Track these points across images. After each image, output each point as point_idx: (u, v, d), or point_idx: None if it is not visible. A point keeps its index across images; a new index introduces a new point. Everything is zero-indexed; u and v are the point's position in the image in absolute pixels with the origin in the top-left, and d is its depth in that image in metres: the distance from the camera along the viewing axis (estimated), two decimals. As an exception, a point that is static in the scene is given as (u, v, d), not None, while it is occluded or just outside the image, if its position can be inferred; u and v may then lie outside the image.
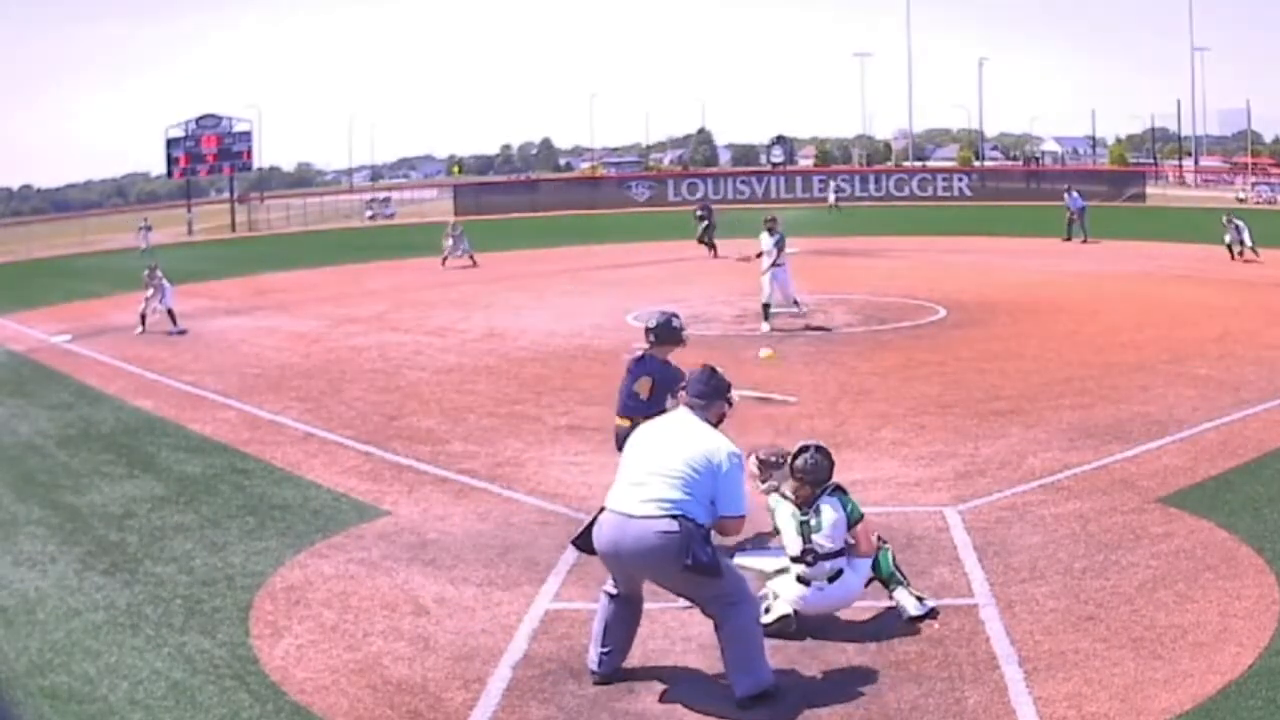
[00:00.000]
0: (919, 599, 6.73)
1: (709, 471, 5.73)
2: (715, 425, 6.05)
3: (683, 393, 6.17)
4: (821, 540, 6.57)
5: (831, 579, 6.59)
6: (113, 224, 61.80)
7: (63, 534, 8.98)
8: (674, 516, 5.64)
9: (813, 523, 6.61)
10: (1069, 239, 34.01)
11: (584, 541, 6.05)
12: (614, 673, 6.06)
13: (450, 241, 32.77)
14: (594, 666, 6.07)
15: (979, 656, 6.19)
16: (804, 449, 6.74)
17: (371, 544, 8.43)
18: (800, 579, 6.61)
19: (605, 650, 6.06)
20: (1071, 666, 6.02)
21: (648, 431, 6.05)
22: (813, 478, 6.67)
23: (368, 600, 7.34)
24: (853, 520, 6.64)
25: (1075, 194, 35.64)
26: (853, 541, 6.65)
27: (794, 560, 6.64)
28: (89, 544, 8.71)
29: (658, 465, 5.76)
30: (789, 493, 6.73)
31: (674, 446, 5.81)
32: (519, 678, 6.14)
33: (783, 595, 6.64)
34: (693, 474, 5.71)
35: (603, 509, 5.94)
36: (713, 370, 6.20)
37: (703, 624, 6.72)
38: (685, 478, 5.70)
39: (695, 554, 5.60)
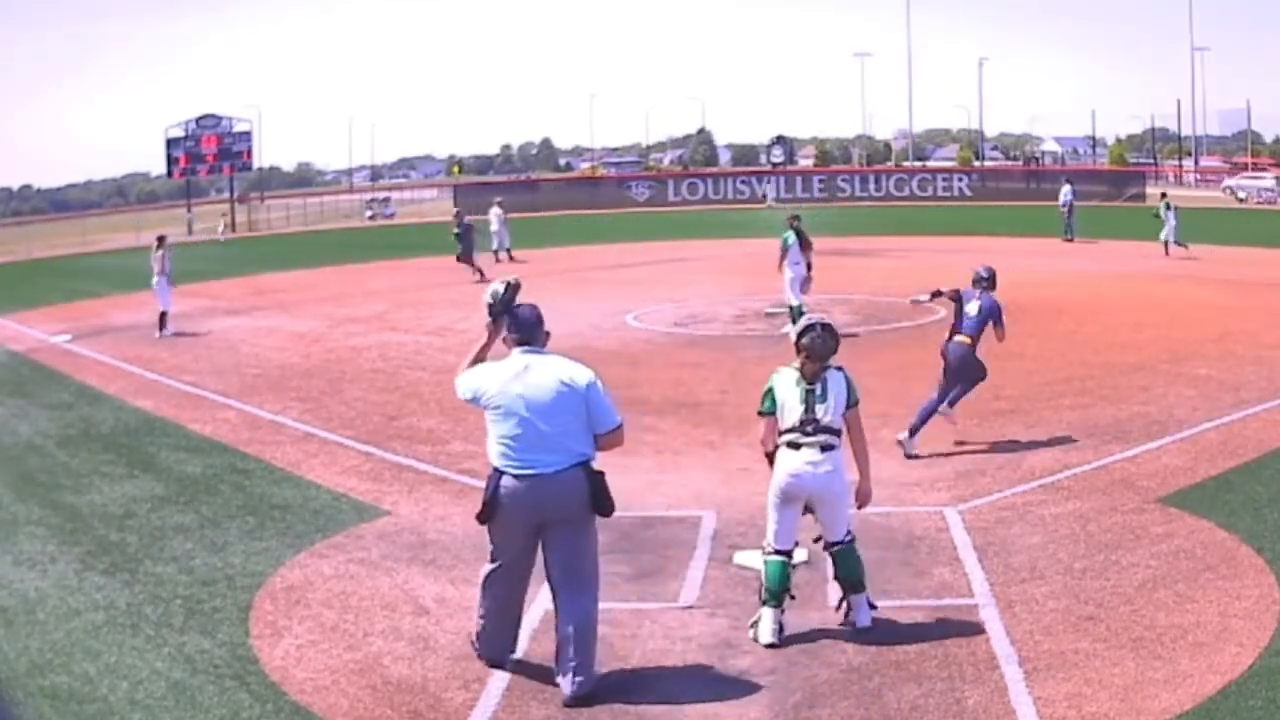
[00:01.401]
0: (872, 606, 6.69)
1: (580, 402, 5.98)
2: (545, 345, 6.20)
3: (511, 336, 6.24)
4: (823, 411, 6.62)
5: (824, 449, 6.59)
6: (113, 224, 61.84)
7: (63, 534, 8.98)
8: (579, 465, 5.97)
9: (818, 392, 6.67)
10: (1070, 239, 33.93)
11: (488, 514, 6.09)
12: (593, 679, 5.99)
13: (497, 225, 33.08)
14: (570, 691, 5.90)
15: (979, 656, 6.19)
16: (810, 328, 6.81)
17: (371, 544, 8.43)
18: (792, 445, 6.62)
19: (494, 647, 6.18)
20: (1071, 666, 6.02)
21: (514, 384, 6.02)
22: (820, 354, 6.74)
23: (368, 600, 7.34)
24: (851, 401, 6.70)
25: (1069, 189, 35.68)
26: (844, 428, 6.69)
27: (790, 430, 6.65)
28: (89, 544, 8.70)
29: (546, 419, 5.92)
30: (795, 366, 6.78)
31: (545, 397, 5.95)
32: (519, 678, 6.14)
33: (777, 471, 6.65)
34: (573, 414, 5.96)
35: (500, 475, 6.01)
36: (520, 311, 6.26)
37: (703, 624, 6.75)
38: (570, 420, 5.95)
39: (603, 500, 5.99)
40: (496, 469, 6.05)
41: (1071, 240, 33.73)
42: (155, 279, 20.42)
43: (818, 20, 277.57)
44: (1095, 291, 22.01)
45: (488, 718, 5.74)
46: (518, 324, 6.20)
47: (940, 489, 9.34)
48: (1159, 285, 22.79)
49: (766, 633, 6.54)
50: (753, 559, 7.73)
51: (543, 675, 6.14)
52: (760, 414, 6.81)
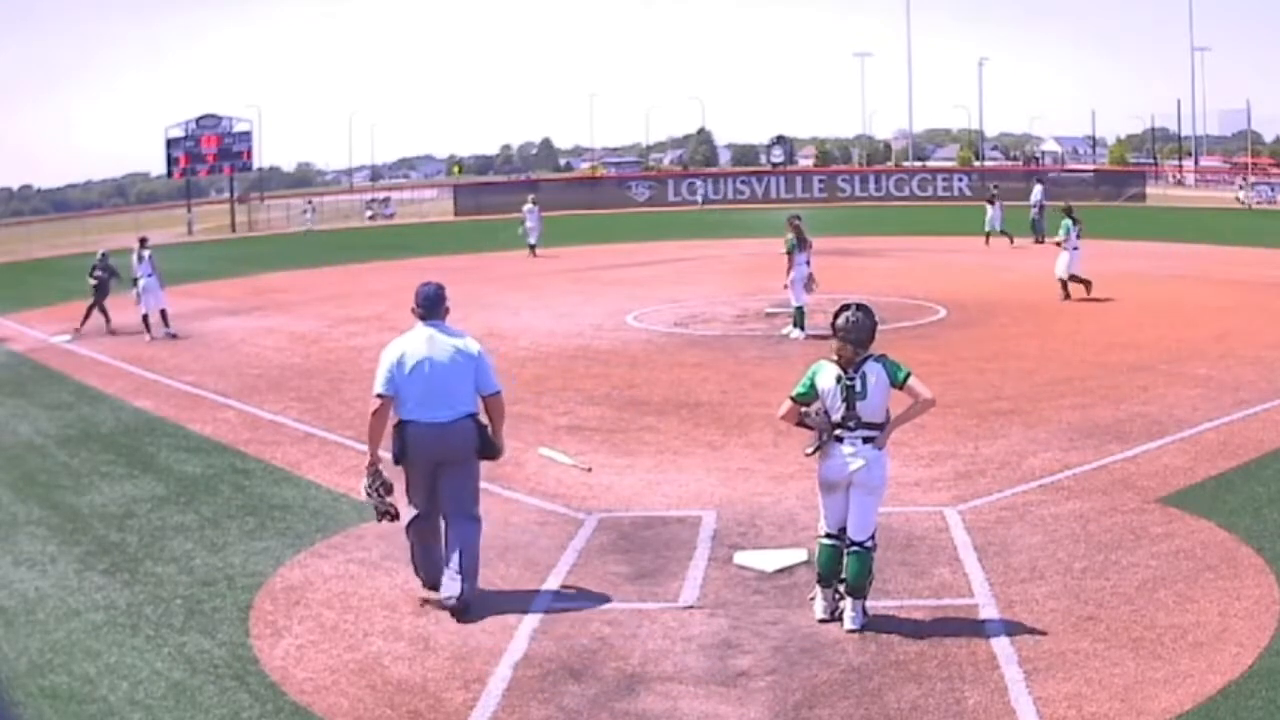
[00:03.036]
0: (864, 613, 6.65)
1: (470, 368, 7.19)
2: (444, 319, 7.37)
3: (416, 308, 7.35)
4: (864, 408, 6.55)
5: (865, 440, 6.59)
6: (113, 224, 61.84)
7: (63, 534, 8.98)
8: (468, 417, 7.20)
9: (857, 388, 6.57)
10: (1039, 240, 33.59)
11: (401, 454, 7.22)
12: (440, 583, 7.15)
13: (532, 221, 34.22)
14: (455, 592, 7.01)
15: (979, 656, 6.19)
16: (845, 307, 6.68)
17: (371, 544, 8.43)
18: (836, 438, 6.62)
19: (430, 571, 7.25)
20: (1071, 666, 6.02)
21: (421, 348, 7.17)
22: (854, 336, 6.59)
23: (368, 600, 7.34)
24: (900, 380, 6.57)
25: (1040, 189, 35.76)
26: (888, 417, 6.62)
27: (835, 425, 6.60)
28: (89, 544, 8.71)
29: (444, 379, 7.13)
30: (833, 355, 6.67)
31: (443, 360, 7.15)
32: (519, 678, 6.14)
33: (821, 461, 6.68)
34: (464, 377, 7.17)
35: (406, 425, 7.13)
36: (425, 287, 7.38)
37: (703, 624, 6.75)
38: (462, 382, 7.17)
39: (489, 446, 7.30)
40: (402, 420, 7.17)
41: (1041, 242, 33.46)
42: (144, 280, 20.29)
43: (818, 20, 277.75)
44: (1095, 291, 21.98)
45: (488, 718, 5.74)
46: (422, 300, 7.33)
47: (940, 489, 9.34)
48: (1159, 285, 22.80)
49: (819, 609, 6.76)
50: (753, 559, 7.75)
51: (543, 675, 6.15)
52: (792, 398, 6.74)
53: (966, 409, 12.08)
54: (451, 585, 7.03)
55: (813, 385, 6.69)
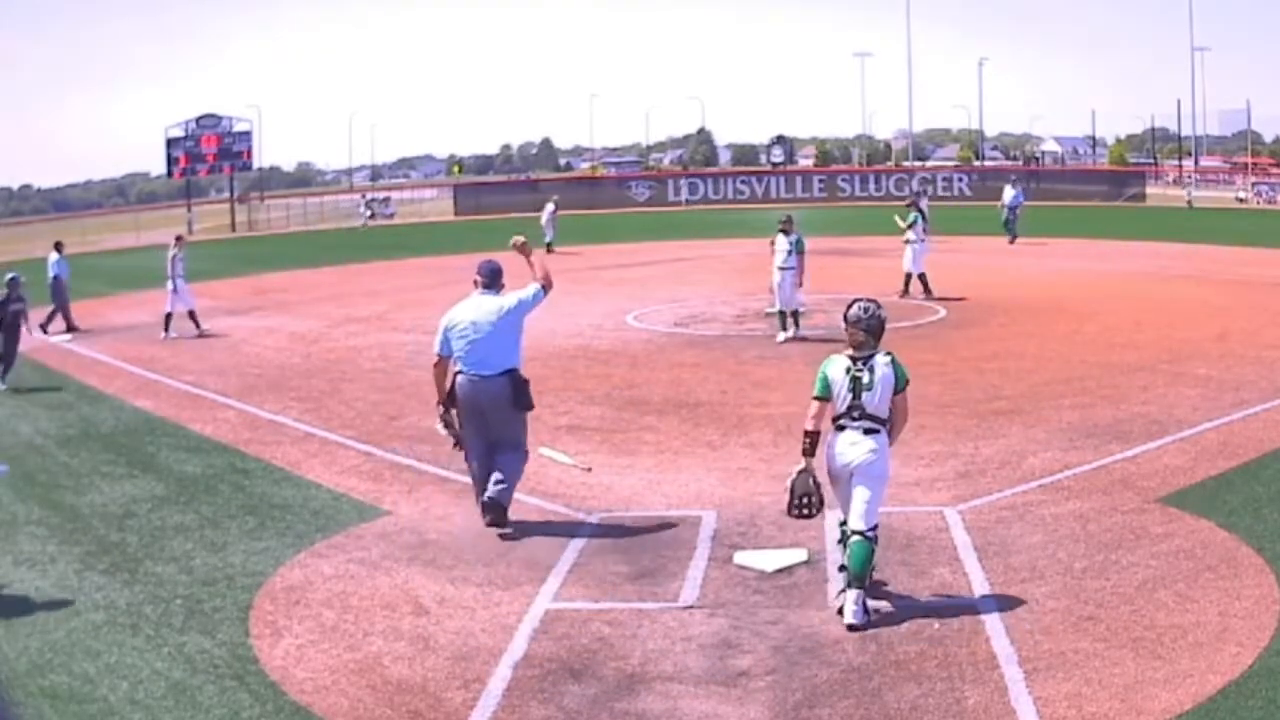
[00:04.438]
0: (865, 609, 6.66)
1: (515, 318, 8.67)
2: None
3: (478, 279, 8.75)
4: (869, 399, 6.73)
5: (867, 432, 6.76)
6: (113, 224, 61.84)
7: (63, 534, 8.98)
8: (506, 372, 8.54)
9: (865, 379, 6.75)
10: (1012, 240, 33.66)
11: (452, 401, 8.65)
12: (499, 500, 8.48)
13: (545, 219, 34.92)
14: (491, 494, 8.48)
15: (979, 656, 6.19)
16: (856, 300, 6.96)
17: (371, 544, 8.43)
18: (839, 427, 6.81)
19: (486, 487, 8.54)
20: (1071, 666, 6.02)
21: (468, 314, 8.61)
22: (867, 324, 6.83)
23: (368, 600, 7.34)
24: (900, 383, 6.80)
25: (1017, 190, 35.80)
26: (891, 414, 6.81)
27: (839, 416, 6.81)
28: (89, 544, 8.71)
29: (484, 340, 8.52)
30: (846, 348, 6.88)
31: (486, 324, 8.55)
32: (519, 678, 6.14)
33: (826, 452, 6.86)
34: (506, 334, 8.59)
35: (457, 376, 8.58)
36: (487, 263, 8.84)
37: (703, 624, 6.76)
38: (505, 338, 8.59)
39: (522, 399, 8.63)
40: (456, 373, 8.60)
41: (1013, 241, 33.57)
42: (172, 280, 20.22)
43: (818, 20, 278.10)
44: (1095, 291, 22.00)
45: (488, 718, 5.74)
46: (486, 273, 8.76)
47: (940, 489, 9.34)
48: (1159, 285, 22.80)
49: (834, 594, 6.95)
50: (753, 559, 7.75)
51: (543, 675, 6.15)
52: (814, 398, 6.92)
53: (966, 409, 12.08)
54: (491, 489, 8.47)
55: (826, 379, 6.87)
